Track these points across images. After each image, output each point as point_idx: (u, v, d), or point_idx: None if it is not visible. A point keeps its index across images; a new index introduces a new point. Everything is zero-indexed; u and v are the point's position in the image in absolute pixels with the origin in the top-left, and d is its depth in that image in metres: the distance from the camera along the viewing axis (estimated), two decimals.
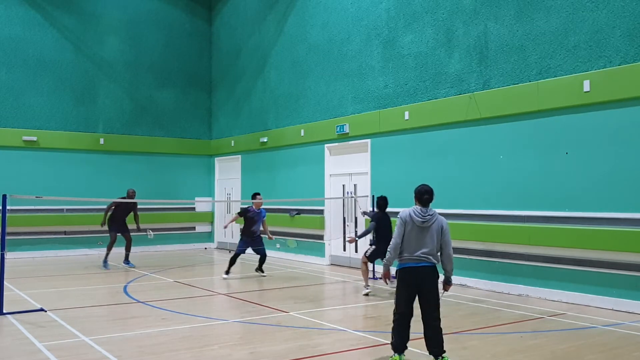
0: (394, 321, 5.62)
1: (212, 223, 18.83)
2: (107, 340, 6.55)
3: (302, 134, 14.84)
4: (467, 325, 7.35)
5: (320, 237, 14.26)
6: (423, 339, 5.63)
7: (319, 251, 14.34)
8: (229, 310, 8.79)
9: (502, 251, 9.92)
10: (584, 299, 8.69)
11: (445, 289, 5.78)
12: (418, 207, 5.67)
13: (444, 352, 5.50)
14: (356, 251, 13.40)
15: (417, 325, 5.73)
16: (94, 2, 17.38)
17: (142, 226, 13.97)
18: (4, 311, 7.94)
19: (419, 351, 6.02)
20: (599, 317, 7.82)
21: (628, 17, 8.40)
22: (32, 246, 15.72)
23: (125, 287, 10.51)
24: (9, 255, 9.06)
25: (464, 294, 9.67)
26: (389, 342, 5.71)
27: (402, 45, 12.04)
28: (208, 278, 11.74)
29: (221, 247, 18.51)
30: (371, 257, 10.08)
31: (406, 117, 11.82)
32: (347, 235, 11.65)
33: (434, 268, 5.59)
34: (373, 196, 12.09)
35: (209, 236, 18.85)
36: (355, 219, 13.42)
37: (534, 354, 6.00)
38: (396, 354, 5.57)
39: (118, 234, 13.61)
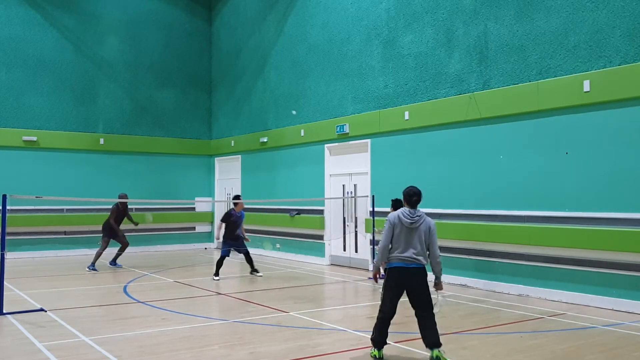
0: (378, 318, 5.87)
1: (212, 223, 18.83)
2: (107, 340, 6.55)
3: (302, 134, 14.85)
4: (467, 325, 7.35)
5: (320, 237, 14.27)
6: (423, 340, 5.74)
7: (319, 251, 14.34)
8: (229, 310, 8.79)
9: (502, 251, 9.91)
10: (584, 299, 8.70)
11: (437, 288, 5.98)
12: (406, 209, 5.90)
13: (440, 345, 5.63)
14: (356, 251, 13.41)
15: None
16: (94, 2, 17.38)
17: (138, 215, 14.10)
18: (4, 311, 7.95)
19: (419, 351, 6.03)
20: (599, 317, 7.82)
21: (628, 17, 8.40)
22: (32, 246, 15.73)
23: (125, 287, 10.51)
24: (9, 255, 9.06)
25: (464, 294, 9.67)
26: (370, 337, 5.96)
27: (402, 45, 12.05)
28: (208, 278, 11.73)
29: (221, 247, 18.49)
30: None
31: (406, 117, 11.82)
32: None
33: (423, 269, 5.80)
34: (373, 196, 12.10)
35: (209, 236, 18.85)
36: (356, 219, 13.42)
37: (534, 354, 6.00)
38: (376, 349, 5.82)
39: (112, 240, 13.37)
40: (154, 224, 15.71)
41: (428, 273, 5.82)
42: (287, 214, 15.21)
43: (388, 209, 10.20)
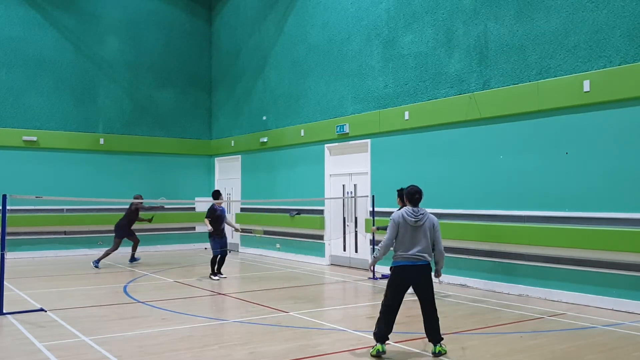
0: (381, 311, 5.98)
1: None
2: (107, 340, 6.55)
3: (302, 134, 14.85)
4: (467, 325, 7.35)
5: (320, 237, 14.26)
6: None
7: (319, 251, 14.34)
8: (229, 310, 8.79)
9: (502, 251, 9.91)
10: (584, 299, 8.69)
11: (437, 276, 6.24)
12: (409, 208, 6.05)
13: (442, 339, 5.89)
14: (356, 251, 13.41)
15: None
16: (94, 2, 17.38)
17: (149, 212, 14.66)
18: (4, 311, 7.95)
19: (418, 351, 6.04)
20: (599, 317, 7.82)
21: (628, 17, 8.40)
22: (32, 246, 15.72)
23: (125, 287, 10.51)
24: (9, 255, 9.07)
25: (464, 294, 9.67)
26: (372, 336, 6.05)
27: (402, 45, 12.05)
28: (208, 278, 11.73)
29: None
30: None
31: (406, 117, 11.82)
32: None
33: (427, 266, 5.97)
34: (373, 196, 12.09)
35: (208, 236, 18.80)
36: (355, 219, 13.42)
37: (534, 354, 6.00)
38: (378, 344, 5.89)
39: (124, 239, 13.82)
40: (154, 224, 15.69)
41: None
42: (287, 214, 15.21)
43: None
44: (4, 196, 8.14)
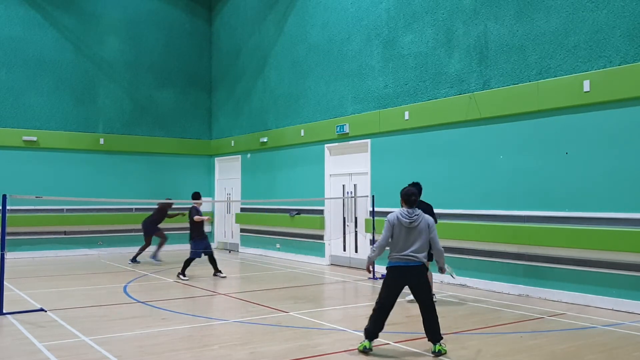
0: (374, 309, 6.08)
1: (212, 223, 18.83)
2: (107, 340, 6.55)
3: (302, 134, 14.85)
4: (467, 325, 7.35)
5: (320, 237, 14.26)
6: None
7: (319, 251, 14.34)
8: (229, 310, 8.79)
9: (502, 251, 9.91)
10: (584, 299, 8.70)
11: (441, 272, 6.36)
12: (405, 209, 6.12)
13: (441, 338, 5.91)
14: (356, 251, 13.40)
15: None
16: (94, 2, 17.38)
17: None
18: (4, 311, 7.94)
19: (418, 351, 6.04)
20: (599, 317, 7.82)
21: (628, 17, 8.40)
22: (32, 246, 15.72)
23: (125, 287, 10.51)
24: (9, 255, 9.06)
25: (464, 294, 9.67)
26: (364, 327, 6.13)
27: (402, 45, 12.05)
28: (208, 278, 11.73)
29: (221, 247, 18.52)
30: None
31: (406, 117, 11.82)
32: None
33: (422, 266, 6.02)
34: (373, 196, 12.09)
35: (209, 236, 18.81)
36: (355, 219, 13.42)
37: (534, 354, 6.00)
38: (367, 340, 5.99)
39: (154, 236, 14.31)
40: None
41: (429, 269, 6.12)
42: (287, 214, 15.21)
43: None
44: (4, 196, 8.13)
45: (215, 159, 19.02)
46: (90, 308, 8.65)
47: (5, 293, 8.19)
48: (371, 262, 6.49)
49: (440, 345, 5.85)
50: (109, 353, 6.00)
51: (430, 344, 5.97)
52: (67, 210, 16.34)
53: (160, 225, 14.53)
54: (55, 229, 16.12)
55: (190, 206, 12.18)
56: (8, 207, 8.11)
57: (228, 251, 17.65)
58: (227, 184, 18.47)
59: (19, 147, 15.85)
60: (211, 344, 6.48)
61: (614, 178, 8.46)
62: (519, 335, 6.86)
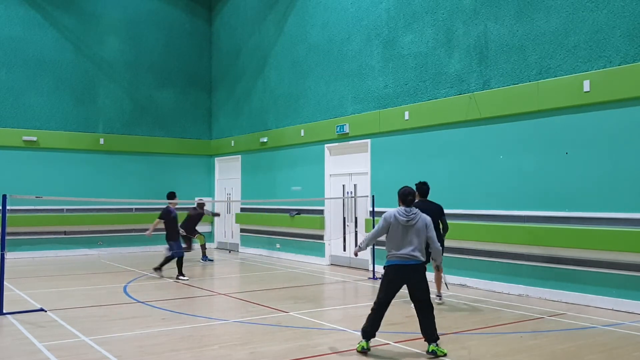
0: (371, 309, 6.07)
1: (212, 223, 18.83)
2: (107, 340, 6.55)
3: (302, 134, 14.85)
4: (467, 325, 7.35)
5: (320, 237, 14.26)
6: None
7: (319, 251, 14.34)
8: (229, 310, 8.79)
9: (502, 251, 9.91)
10: (584, 299, 8.69)
11: (438, 270, 6.45)
12: (402, 208, 6.13)
13: (438, 338, 5.87)
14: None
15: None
16: (94, 2, 17.38)
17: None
18: (4, 311, 7.94)
19: (418, 351, 6.04)
20: (599, 317, 7.82)
21: (628, 17, 8.40)
22: (32, 246, 15.72)
23: (125, 287, 10.51)
24: (9, 255, 9.07)
25: (464, 294, 9.67)
26: (361, 327, 6.09)
27: (402, 45, 12.05)
28: (208, 278, 11.73)
29: (221, 247, 18.52)
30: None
31: (406, 117, 11.82)
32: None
33: (420, 265, 6.00)
34: (373, 196, 12.09)
35: (209, 236, 18.82)
36: (355, 219, 13.42)
37: (534, 354, 6.00)
38: (364, 340, 5.98)
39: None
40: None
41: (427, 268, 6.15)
42: (287, 214, 15.21)
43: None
44: (4, 196, 8.13)
45: (215, 159, 19.02)
46: (90, 308, 8.65)
47: (5, 293, 8.19)
48: (359, 251, 6.58)
49: (436, 345, 5.81)
50: (109, 353, 6.00)
51: (427, 344, 5.92)
52: (67, 210, 16.34)
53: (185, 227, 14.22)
54: (55, 229, 16.12)
55: (164, 207, 11.90)
56: (8, 207, 8.11)
57: (228, 251, 17.65)
58: (227, 184, 18.47)
59: (19, 147, 15.85)
60: (211, 344, 6.48)
61: (614, 178, 8.45)
62: (519, 335, 6.86)
